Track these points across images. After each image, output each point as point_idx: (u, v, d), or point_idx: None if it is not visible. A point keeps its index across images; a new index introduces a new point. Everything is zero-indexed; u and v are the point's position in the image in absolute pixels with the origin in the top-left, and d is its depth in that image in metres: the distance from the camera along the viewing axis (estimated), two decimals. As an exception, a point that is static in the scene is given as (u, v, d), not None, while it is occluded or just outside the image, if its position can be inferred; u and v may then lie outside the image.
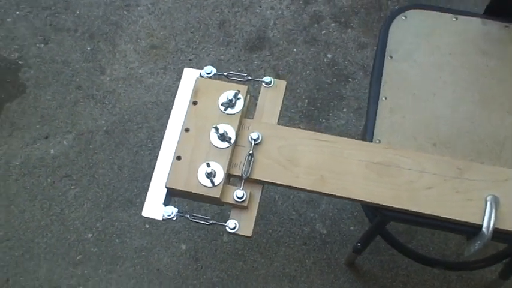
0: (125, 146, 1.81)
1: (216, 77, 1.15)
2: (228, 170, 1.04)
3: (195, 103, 1.08)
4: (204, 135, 1.06)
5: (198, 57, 1.93)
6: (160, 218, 1.06)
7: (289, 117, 1.83)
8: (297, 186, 1.04)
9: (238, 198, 1.03)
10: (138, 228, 1.72)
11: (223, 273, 1.65)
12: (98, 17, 1.99)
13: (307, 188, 1.04)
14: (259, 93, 1.13)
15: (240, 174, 1.04)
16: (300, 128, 1.81)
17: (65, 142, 1.83)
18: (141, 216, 1.05)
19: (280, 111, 1.11)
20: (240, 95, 1.08)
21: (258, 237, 1.68)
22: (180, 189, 1.03)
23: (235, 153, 1.06)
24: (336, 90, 1.87)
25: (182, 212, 1.05)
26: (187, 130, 1.07)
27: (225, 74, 1.15)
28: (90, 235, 1.71)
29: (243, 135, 1.07)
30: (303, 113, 1.84)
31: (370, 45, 1.92)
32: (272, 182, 1.05)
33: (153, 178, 1.08)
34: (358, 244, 1.47)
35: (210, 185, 1.02)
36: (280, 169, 1.04)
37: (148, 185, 1.06)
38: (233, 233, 1.04)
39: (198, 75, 1.14)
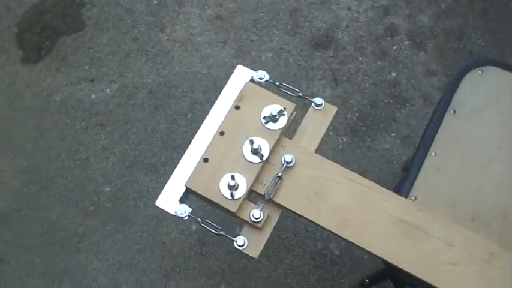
0: (164, 111, 1.78)
1: (267, 83, 1.09)
2: (251, 186, 1.00)
3: (237, 107, 1.03)
4: (238, 144, 1.01)
5: (260, 40, 1.86)
6: (173, 213, 1.03)
7: (334, 126, 1.76)
8: (317, 223, 0.99)
9: (255, 218, 0.98)
10: (155, 196, 1.69)
11: (225, 264, 1.63)
12: (173, -28, 1.94)
13: (327, 228, 0.98)
14: (306, 111, 1.07)
15: (263, 194, 1.00)
16: (342, 140, 1.74)
17: (107, 91, 1.81)
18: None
19: (322, 138, 1.05)
20: (285, 112, 1.02)
21: (269, 240, 1.64)
22: (199, 193, 0.99)
23: (263, 170, 1.01)
24: (390, 111, 1.79)
25: (195, 212, 1.01)
26: (222, 133, 1.02)
27: (277, 83, 1.09)
28: (108, 189, 1.71)
29: (277, 154, 1.01)
30: (350, 126, 1.77)
31: (439, 75, 1.82)
32: (293, 211, 1.00)
33: (175, 171, 1.04)
34: (366, 280, 1.42)
35: (230, 197, 0.98)
36: (305, 200, 0.99)
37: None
38: (240, 250, 1.00)
39: (249, 77, 1.08)
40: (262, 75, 1.08)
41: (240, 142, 1.01)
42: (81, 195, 1.70)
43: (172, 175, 1.04)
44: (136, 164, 1.73)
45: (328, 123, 1.06)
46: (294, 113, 1.06)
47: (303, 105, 1.21)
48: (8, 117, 1.78)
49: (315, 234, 1.66)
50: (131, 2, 1.90)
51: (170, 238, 1.65)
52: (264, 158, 1.00)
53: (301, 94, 1.07)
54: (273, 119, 1.01)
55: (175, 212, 1.02)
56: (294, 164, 1.01)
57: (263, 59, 1.83)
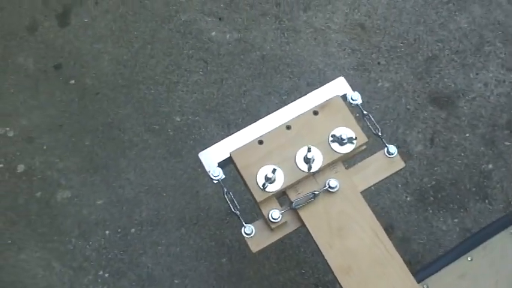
0: (265, 81, 1.79)
1: (356, 106, 1.07)
2: (286, 188, 0.99)
3: (315, 113, 1.02)
4: (296, 145, 1.00)
5: (386, 67, 1.82)
6: (207, 171, 1.05)
7: (407, 181, 1.70)
8: (324, 255, 0.97)
9: (272, 217, 0.98)
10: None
11: (237, 243, 1.63)
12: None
13: (329, 264, 0.96)
14: (376, 151, 1.05)
15: (292, 201, 0.99)
16: (406, 198, 1.68)
17: (228, 36, 1.84)
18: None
19: (376, 185, 1.02)
20: (354, 141, 1.00)
21: (287, 245, 1.63)
22: (238, 166, 1.00)
23: (304, 181, 1.00)
24: (466, 199, 1.70)
25: (228, 183, 1.02)
26: (288, 127, 1.01)
27: (365, 112, 1.06)
28: (178, 119, 1.75)
29: (325, 174, 1.00)
30: (421, 189, 1.70)
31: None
32: (309, 231, 0.98)
33: (231, 136, 1.06)
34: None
35: (261, 187, 0.98)
36: (325, 228, 0.97)
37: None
38: (244, 236, 1.01)
39: (344, 93, 1.07)
40: (357, 97, 1.07)
41: (299, 144, 1.00)
42: (153, 111, 1.76)
43: (226, 138, 1.05)
44: (214, 111, 1.76)
45: (389, 174, 1.03)
46: (364, 147, 1.04)
47: (375, 143, 1.18)
48: (134, 11, 1.86)
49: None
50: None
51: (204, 192, 1.68)
52: (312, 171, 0.99)
53: (380, 134, 1.04)
54: (340, 141, 1.00)
55: (209, 171, 1.03)
56: (336, 191, 0.99)
57: (379, 84, 1.79)
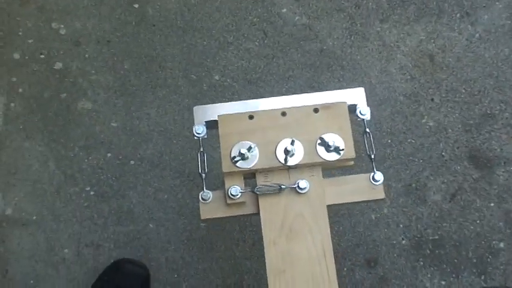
0: (317, 73, 1.75)
1: (361, 121, 1.02)
2: (255, 170, 0.96)
3: (315, 110, 0.98)
4: (282, 133, 0.97)
5: (438, 105, 1.73)
6: (194, 124, 1.03)
7: (408, 218, 1.63)
8: (265, 250, 0.94)
9: (231, 193, 0.96)
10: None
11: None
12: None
13: (266, 260, 0.93)
14: (362, 171, 1.00)
15: (255, 186, 0.96)
16: (400, 240, 1.61)
17: (302, 18, 1.81)
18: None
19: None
20: (341, 152, 0.95)
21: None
22: (219, 130, 0.98)
23: (276, 170, 0.96)
24: (463, 266, 1.61)
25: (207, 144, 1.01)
26: (283, 114, 0.98)
27: (368, 130, 1.01)
28: (217, 78, 1.74)
29: (300, 172, 0.96)
30: (418, 238, 1.62)
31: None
32: (261, 221, 0.95)
33: (230, 103, 1.04)
34: None
35: (232, 159, 0.96)
36: (278, 224, 0.94)
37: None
38: (197, 199, 0.99)
39: (355, 103, 1.02)
40: (365, 112, 1.02)
41: (286, 134, 0.97)
42: (198, 61, 1.76)
43: (224, 103, 1.04)
44: (253, 84, 1.74)
45: (365, 199, 0.99)
46: (351, 163, 0.99)
47: (365, 165, 1.12)
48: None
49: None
50: None
51: (212, 154, 1.66)
52: (287, 164, 0.95)
53: (373, 157, 0.99)
54: (327, 147, 0.95)
55: (194, 127, 1.02)
56: (303, 193, 0.95)
57: (423, 120, 1.71)
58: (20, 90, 1.73)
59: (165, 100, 1.72)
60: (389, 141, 1.70)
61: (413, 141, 1.70)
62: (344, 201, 0.97)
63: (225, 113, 1.00)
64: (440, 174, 1.68)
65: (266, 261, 0.93)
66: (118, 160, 1.67)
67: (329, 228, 0.94)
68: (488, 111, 1.74)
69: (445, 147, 1.70)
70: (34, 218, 1.63)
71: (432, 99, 1.74)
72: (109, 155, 1.68)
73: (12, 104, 1.72)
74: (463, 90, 1.75)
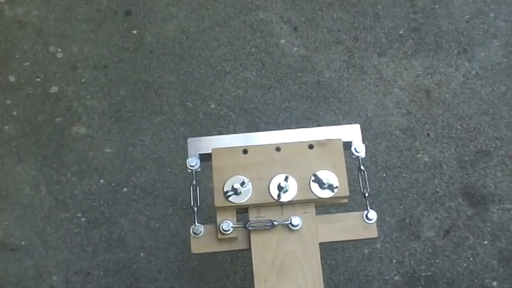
0: (313, 105, 1.75)
1: (356, 158, 1.01)
2: (248, 205, 0.95)
3: (310, 147, 0.97)
4: (276, 169, 0.96)
5: (433, 141, 1.72)
6: (187, 157, 1.02)
7: (401, 254, 1.61)
8: (255, 285, 0.92)
9: (222, 229, 0.94)
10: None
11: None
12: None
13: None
14: (356, 209, 0.99)
15: (248, 221, 0.95)
16: (394, 276, 1.59)
17: (300, 49, 1.81)
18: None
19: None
20: (335, 190, 0.94)
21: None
22: (213, 164, 0.97)
23: (269, 206, 0.95)
24: (456, 304, 1.59)
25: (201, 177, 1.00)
26: (278, 149, 0.97)
27: (362, 168, 1.01)
28: (213, 106, 1.74)
29: (293, 209, 0.95)
30: (410, 274, 1.60)
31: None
32: (252, 257, 0.94)
33: (226, 136, 1.03)
34: None
35: (225, 194, 0.95)
36: (269, 261, 0.93)
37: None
38: (189, 233, 0.98)
39: (351, 141, 1.01)
40: (361, 149, 1.01)
41: (280, 169, 0.96)
42: (194, 89, 1.76)
43: (219, 136, 1.03)
44: (249, 114, 1.73)
45: (358, 238, 0.98)
46: (345, 201, 0.98)
47: (359, 198, 1.11)
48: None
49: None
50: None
51: (206, 184, 1.64)
52: (281, 200, 0.94)
53: (367, 195, 0.98)
54: (320, 184, 0.94)
55: (187, 160, 1.01)
56: (295, 230, 0.94)
57: (418, 155, 1.70)
58: (14, 113, 1.72)
59: (160, 127, 1.71)
60: (384, 175, 1.69)
61: (408, 176, 1.69)
62: (337, 239, 0.96)
63: (219, 146, 0.99)
64: (434, 210, 1.67)
65: (256, 299, 0.91)
66: (111, 187, 1.66)
67: (320, 266, 0.93)
68: (484, 148, 1.73)
69: (440, 183, 1.69)
70: (23, 243, 1.60)
71: (428, 135, 1.74)
72: (102, 181, 1.66)
73: (6, 127, 1.71)
74: (459, 127, 1.75)
